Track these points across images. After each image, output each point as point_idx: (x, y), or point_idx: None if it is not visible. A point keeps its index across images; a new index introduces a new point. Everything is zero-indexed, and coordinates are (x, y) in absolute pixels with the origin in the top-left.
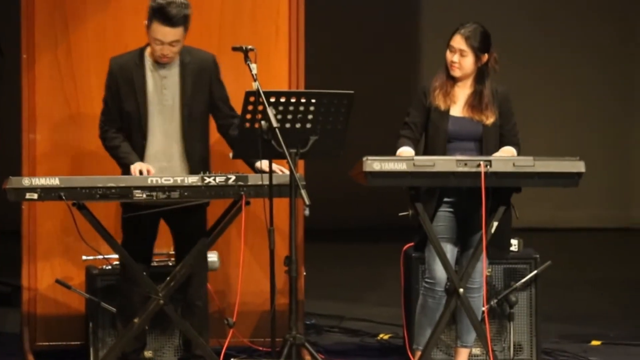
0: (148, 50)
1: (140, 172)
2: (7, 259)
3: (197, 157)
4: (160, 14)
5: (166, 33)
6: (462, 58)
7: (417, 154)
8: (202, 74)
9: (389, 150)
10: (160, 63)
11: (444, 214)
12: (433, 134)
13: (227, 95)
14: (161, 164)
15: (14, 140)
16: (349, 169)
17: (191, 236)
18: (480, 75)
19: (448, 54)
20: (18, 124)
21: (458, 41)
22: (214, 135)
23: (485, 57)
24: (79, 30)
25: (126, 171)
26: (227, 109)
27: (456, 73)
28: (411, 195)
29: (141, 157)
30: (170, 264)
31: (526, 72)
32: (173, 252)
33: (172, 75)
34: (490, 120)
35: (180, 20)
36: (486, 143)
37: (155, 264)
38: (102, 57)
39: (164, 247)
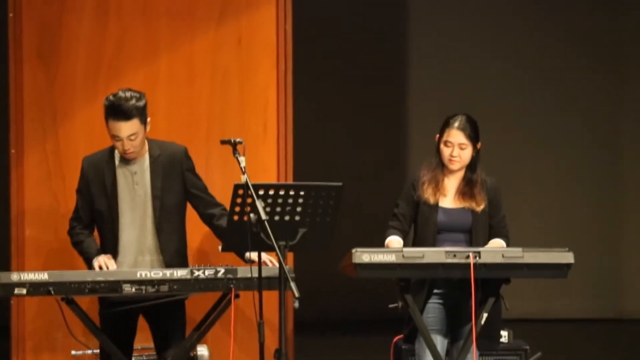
0: None
1: (100, 268)
2: None
3: (172, 249)
4: (111, 111)
5: (121, 128)
6: (461, 151)
7: (406, 245)
8: (172, 166)
9: (378, 243)
10: (129, 160)
11: (434, 306)
12: (422, 225)
13: (204, 184)
14: (136, 258)
15: (2, 235)
16: (339, 261)
17: (172, 330)
18: (472, 163)
19: (444, 149)
20: (6, 219)
21: (456, 135)
22: (195, 227)
23: (479, 145)
24: (67, 125)
25: (90, 267)
26: (207, 197)
27: (456, 167)
28: (401, 287)
29: (114, 251)
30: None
31: (517, 143)
32: (151, 347)
33: (143, 170)
34: (480, 207)
35: (133, 112)
36: (476, 234)
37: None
38: (90, 152)
39: (138, 342)
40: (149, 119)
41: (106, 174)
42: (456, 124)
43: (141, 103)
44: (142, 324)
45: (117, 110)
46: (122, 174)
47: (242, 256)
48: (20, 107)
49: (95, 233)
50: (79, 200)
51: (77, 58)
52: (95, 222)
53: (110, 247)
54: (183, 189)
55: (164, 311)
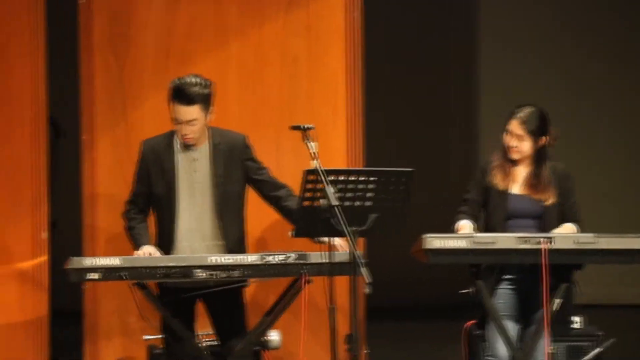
0: None
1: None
2: (68, 340)
3: (233, 236)
4: (176, 93)
5: (183, 112)
6: (519, 143)
7: (476, 231)
8: (233, 154)
9: (449, 228)
10: (190, 146)
11: (505, 291)
12: (492, 211)
13: (265, 169)
14: (192, 244)
15: (75, 220)
16: (410, 246)
17: (232, 317)
18: (539, 156)
19: (506, 137)
20: (79, 205)
21: (515, 126)
22: (253, 214)
23: (543, 140)
24: (137, 110)
25: None
26: (270, 180)
27: (515, 156)
28: (472, 273)
29: (171, 237)
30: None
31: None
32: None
33: (203, 157)
34: (550, 201)
35: (196, 98)
36: (546, 221)
37: (205, 344)
38: None
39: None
40: (212, 108)
41: (165, 159)
42: (519, 115)
43: (206, 91)
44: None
45: (180, 94)
46: (181, 159)
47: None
48: (91, 94)
49: (151, 219)
50: (136, 183)
51: (146, 45)
52: (153, 207)
53: (167, 232)
54: (244, 176)
55: (225, 298)
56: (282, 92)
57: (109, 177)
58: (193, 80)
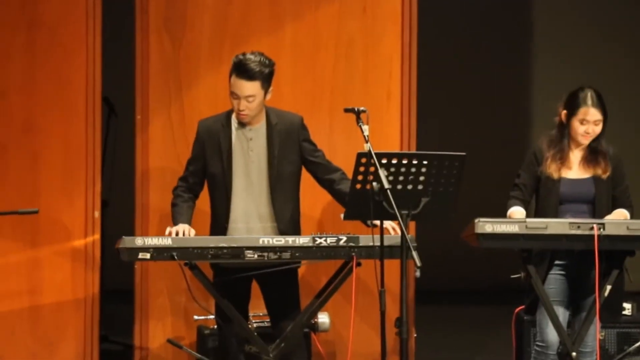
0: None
1: (177, 234)
2: (119, 319)
3: (286, 217)
4: (238, 68)
5: (242, 86)
6: (595, 127)
7: (528, 216)
8: (289, 135)
9: (501, 212)
10: (246, 125)
11: (556, 277)
12: (544, 196)
13: (320, 151)
14: (248, 225)
15: (128, 200)
16: (461, 230)
17: (286, 298)
18: (600, 134)
19: (579, 127)
20: (131, 185)
21: (593, 114)
22: (308, 195)
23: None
24: (192, 92)
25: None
26: (325, 163)
27: (588, 141)
28: (523, 258)
29: (226, 218)
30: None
31: None
32: (263, 313)
33: (259, 136)
34: (606, 173)
35: (257, 74)
36: (599, 204)
37: (254, 325)
38: None
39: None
40: (271, 88)
41: (222, 137)
42: (590, 102)
43: (267, 69)
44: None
45: (242, 68)
46: (237, 138)
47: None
48: (146, 75)
49: (205, 204)
50: (190, 162)
51: (202, 27)
52: (209, 188)
53: (222, 211)
54: (299, 158)
55: (279, 279)
56: (336, 74)
57: (161, 158)
58: (257, 57)
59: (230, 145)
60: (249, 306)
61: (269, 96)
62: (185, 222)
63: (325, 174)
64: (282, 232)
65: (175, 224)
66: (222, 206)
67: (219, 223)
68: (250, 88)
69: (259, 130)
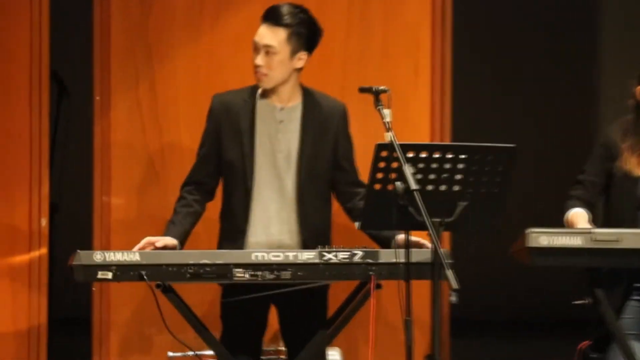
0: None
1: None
2: (72, 354)
3: (312, 225)
4: (267, 11)
5: (263, 32)
6: None
7: (593, 222)
8: (328, 123)
9: (559, 221)
10: (277, 102)
11: (634, 305)
12: (619, 198)
13: (353, 156)
14: (269, 229)
15: (84, 204)
16: (508, 243)
17: (309, 327)
18: None
19: None
20: (89, 185)
21: None
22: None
23: None
24: (165, 66)
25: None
26: (352, 174)
27: None
28: (589, 279)
29: (244, 219)
30: None
31: None
32: (283, 348)
33: (292, 119)
34: None
35: (284, 20)
36: None
37: None
38: (194, 100)
39: (268, 342)
40: (303, 54)
41: (242, 116)
42: None
43: (298, 21)
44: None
45: (269, 12)
46: (263, 118)
47: (381, 241)
48: (106, 45)
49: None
50: (202, 146)
51: None
52: (223, 179)
53: (240, 211)
54: (333, 155)
55: (305, 301)
56: (348, 45)
57: (127, 150)
58: (294, 5)
59: (253, 124)
60: (263, 337)
61: (298, 63)
62: (174, 236)
63: (349, 187)
64: (304, 242)
65: (164, 235)
66: (240, 203)
67: (235, 226)
68: (273, 35)
69: (293, 111)
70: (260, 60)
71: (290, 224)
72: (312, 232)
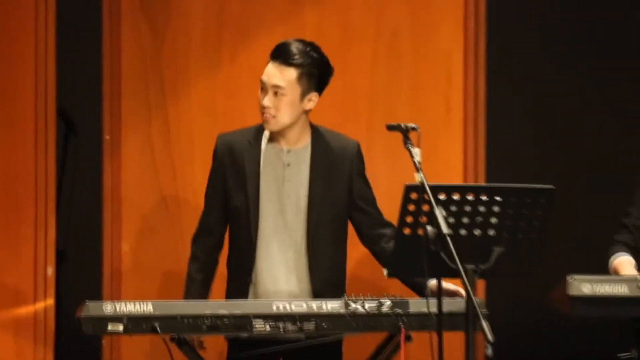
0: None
1: None
2: None
3: (324, 275)
4: (276, 49)
5: (271, 71)
6: None
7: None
8: (340, 164)
9: (603, 268)
10: (284, 145)
11: None
12: None
13: (373, 195)
14: (276, 282)
15: (92, 250)
16: (547, 291)
17: None
18: None
19: None
20: (98, 230)
21: None
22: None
23: None
24: (180, 101)
25: None
26: (374, 215)
27: None
28: (636, 330)
29: (248, 270)
30: None
31: None
32: None
33: (300, 162)
34: None
35: (295, 59)
36: None
37: None
38: (210, 138)
39: None
40: (314, 96)
41: (247, 159)
42: None
43: (310, 60)
44: None
45: (278, 49)
46: (270, 162)
47: (414, 285)
48: (117, 78)
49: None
50: (208, 196)
51: (193, 11)
52: (230, 226)
53: (245, 261)
54: (348, 197)
55: (316, 356)
56: (375, 78)
57: (138, 192)
58: (304, 43)
59: (258, 169)
60: None
61: (308, 105)
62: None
63: (372, 228)
64: (316, 294)
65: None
66: (245, 254)
67: (240, 276)
68: (280, 75)
69: (301, 154)
70: (267, 101)
71: (299, 274)
72: (325, 281)
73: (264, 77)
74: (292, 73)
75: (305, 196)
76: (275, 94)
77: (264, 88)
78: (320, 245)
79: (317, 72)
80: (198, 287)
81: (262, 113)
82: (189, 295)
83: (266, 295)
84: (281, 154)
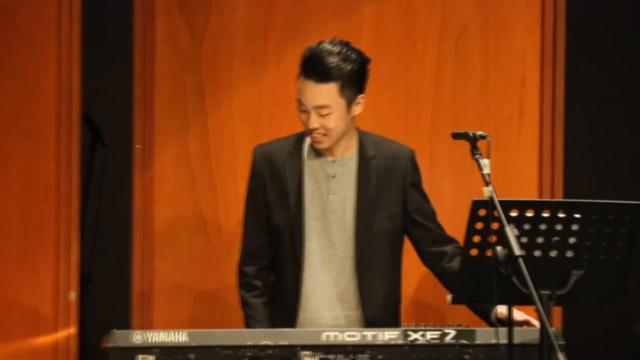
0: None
1: None
2: None
3: (377, 301)
4: (307, 64)
5: (310, 92)
6: None
7: None
8: (392, 175)
9: None
10: (327, 155)
11: None
12: None
13: (431, 208)
14: (320, 309)
15: (120, 274)
16: (631, 319)
17: None
18: None
19: None
20: (126, 250)
21: None
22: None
23: None
24: (220, 106)
25: None
26: (435, 228)
27: None
28: None
29: (295, 296)
30: None
31: None
32: None
33: (346, 173)
34: None
35: (333, 73)
36: None
37: None
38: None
39: None
40: (361, 98)
41: (288, 171)
42: None
43: (350, 66)
44: None
45: (311, 64)
46: (313, 174)
47: (482, 312)
48: (150, 82)
49: None
50: (249, 216)
51: (236, 7)
52: (272, 246)
53: (290, 285)
54: (402, 211)
55: None
56: (440, 80)
57: (174, 209)
58: (336, 47)
59: (300, 182)
60: None
61: (357, 109)
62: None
63: (433, 245)
64: (368, 321)
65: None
66: (289, 277)
67: (285, 302)
68: (323, 94)
69: (347, 164)
70: (314, 122)
71: (347, 299)
72: (377, 307)
73: (303, 99)
74: (333, 88)
75: (353, 210)
76: (319, 111)
77: (305, 110)
78: (370, 265)
79: (357, 75)
80: (261, 311)
81: (310, 133)
82: (254, 322)
83: (309, 323)
84: (325, 164)
